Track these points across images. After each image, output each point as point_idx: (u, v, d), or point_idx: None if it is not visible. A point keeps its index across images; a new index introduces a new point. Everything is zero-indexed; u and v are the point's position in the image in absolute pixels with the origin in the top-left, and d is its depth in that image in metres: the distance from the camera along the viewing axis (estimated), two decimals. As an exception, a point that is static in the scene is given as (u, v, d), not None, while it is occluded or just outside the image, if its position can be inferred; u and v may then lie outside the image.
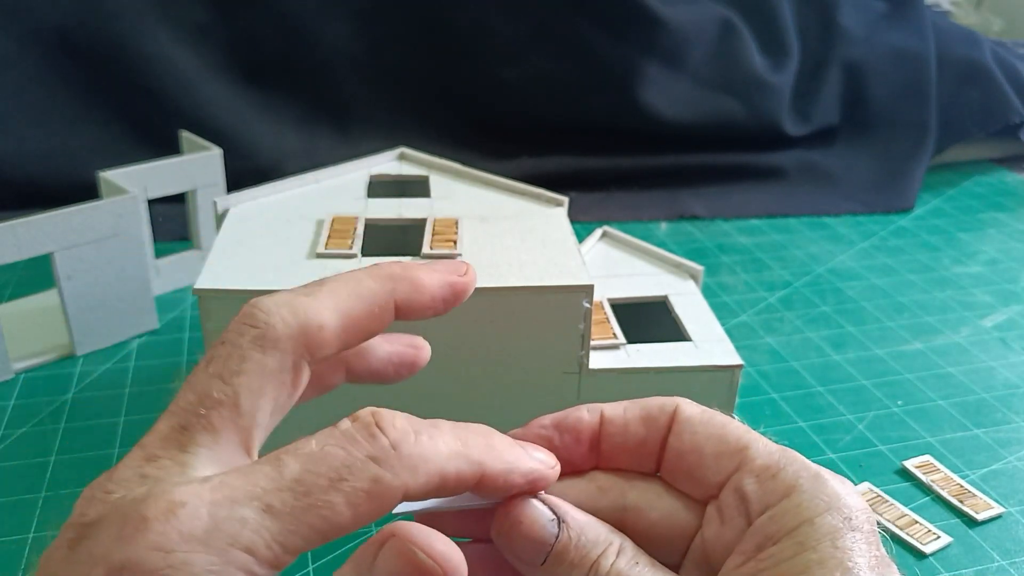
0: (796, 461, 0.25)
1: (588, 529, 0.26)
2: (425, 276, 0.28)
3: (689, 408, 0.27)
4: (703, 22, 1.01)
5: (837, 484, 0.25)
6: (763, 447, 0.26)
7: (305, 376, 0.25)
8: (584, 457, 0.28)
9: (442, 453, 0.23)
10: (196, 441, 0.22)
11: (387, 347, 0.30)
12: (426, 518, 0.25)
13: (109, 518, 0.21)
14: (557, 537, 0.25)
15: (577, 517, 0.26)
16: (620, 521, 0.27)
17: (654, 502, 0.27)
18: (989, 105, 1.03)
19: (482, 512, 0.26)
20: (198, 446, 0.22)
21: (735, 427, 0.27)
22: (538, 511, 0.25)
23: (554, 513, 0.25)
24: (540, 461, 0.26)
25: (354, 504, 0.22)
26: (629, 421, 0.27)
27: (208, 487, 0.21)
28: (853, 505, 0.24)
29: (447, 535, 0.23)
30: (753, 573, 0.24)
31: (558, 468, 0.26)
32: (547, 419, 0.28)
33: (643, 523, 0.27)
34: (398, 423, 0.23)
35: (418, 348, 0.31)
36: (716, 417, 0.27)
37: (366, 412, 0.23)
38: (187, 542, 0.20)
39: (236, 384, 0.23)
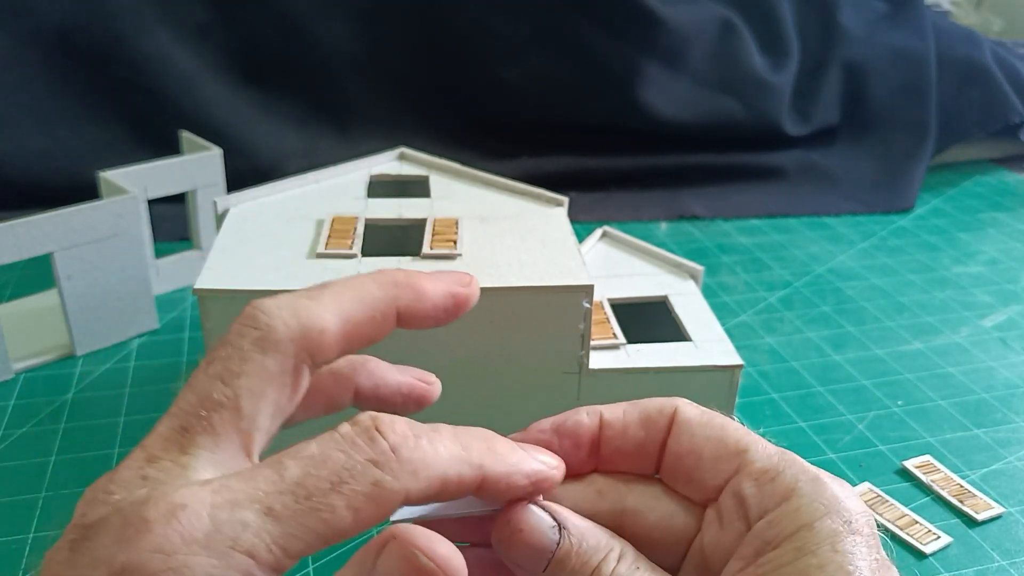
0: (795, 464, 0.25)
1: (588, 535, 0.25)
2: (429, 285, 0.27)
3: (688, 409, 0.27)
4: (703, 22, 1.01)
5: (836, 487, 0.24)
6: (762, 450, 0.26)
7: (305, 380, 0.25)
8: (583, 461, 0.28)
9: (443, 457, 0.23)
10: (197, 443, 0.22)
11: (399, 377, 0.30)
12: (426, 523, 0.25)
13: (110, 520, 0.21)
14: (558, 544, 0.25)
15: (577, 523, 0.26)
16: (619, 524, 0.27)
17: (653, 505, 0.27)
18: (989, 105, 1.03)
19: (482, 517, 0.26)
20: (199, 448, 0.22)
21: (734, 429, 0.26)
22: (538, 518, 0.25)
23: (555, 520, 0.25)
24: (543, 463, 0.26)
25: (355, 508, 0.22)
26: (628, 424, 0.27)
27: (209, 490, 0.21)
28: (853, 508, 0.24)
29: (447, 539, 0.23)
30: None
31: (562, 468, 0.26)
32: (546, 423, 0.28)
33: (642, 526, 0.27)
34: (398, 427, 0.23)
35: (429, 384, 0.30)
36: (715, 419, 0.27)
37: (366, 416, 0.23)
38: (188, 545, 0.20)
39: (237, 386, 0.23)
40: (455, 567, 0.22)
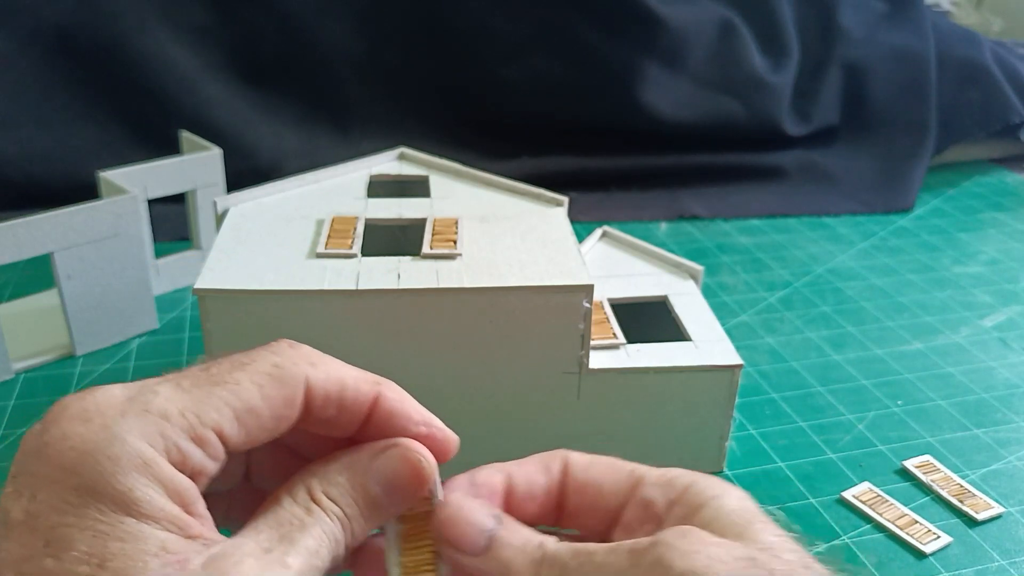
0: (685, 471, 0.27)
1: (521, 529, 0.27)
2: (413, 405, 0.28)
3: (575, 454, 0.29)
4: (703, 22, 1.00)
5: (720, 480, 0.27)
6: (652, 469, 0.28)
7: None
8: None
9: (339, 363, 0.26)
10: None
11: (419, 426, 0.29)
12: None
13: (25, 439, 0.23)
14: (497, 522, 0.27)
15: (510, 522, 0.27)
16: None
17: None
18: (989, 105, 1.03)
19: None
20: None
21: (623, 462, 0.29)
22: (480, 503, 0.27)
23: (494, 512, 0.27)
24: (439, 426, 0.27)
25: (259, 384, 0.24)
26: (530, 471, 0.29)
27: (120, 385, 0.23)
28: (742, 493, 0.27)
29: None
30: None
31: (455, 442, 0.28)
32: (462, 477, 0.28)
33: None
34: (290, 340, 0.26)
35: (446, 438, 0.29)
36: (603, 457, 0.29)
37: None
38: (104, 411, 0.22)
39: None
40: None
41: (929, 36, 1.07)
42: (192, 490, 0.23)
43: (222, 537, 0.22)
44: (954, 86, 1.04)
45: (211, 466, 0.23)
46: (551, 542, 0.26)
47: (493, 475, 0.28)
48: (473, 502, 0.27)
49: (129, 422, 0.22)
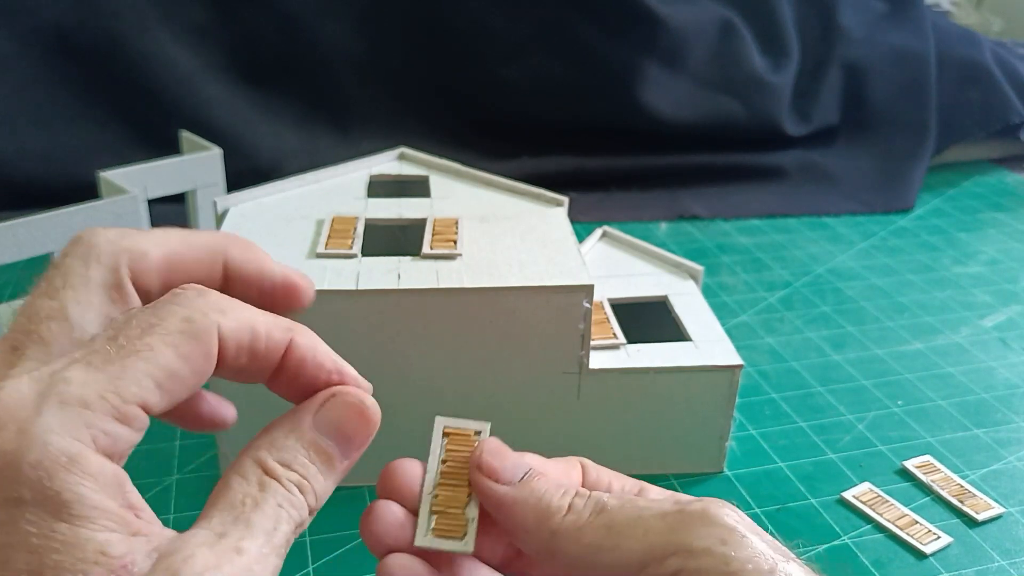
0: (687, 497, 0.28)
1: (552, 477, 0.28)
2: (265, 255, 0.28)
3: (589, 462, 0.31)
4: (703, 22, 1.00)
5: None
6: (654, 487, 0.29)
7: (133, 296, 0.25)
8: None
9: (250, 309, 0.25)
10: (26, 356, 0.23)
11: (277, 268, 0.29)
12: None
13: None
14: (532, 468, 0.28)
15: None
16: None
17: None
18: (989, 105, 1.03)
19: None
20: (29, 360, 0.23)
21: (627, 476, 0.30)
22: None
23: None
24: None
25: (173, 344, 0.22)
26: (566, 471, 0.30)
27: (25, 370, 0.22)
28: None
29: None
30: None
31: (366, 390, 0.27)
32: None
33: None
34: (195, 285, 0.24)
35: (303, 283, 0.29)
36: (608, 470, 0.30)
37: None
38: (14, 415, 0.20)
39: (62, 297, 0.24)
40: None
41: (929, 36, 1.07)
42: (124, 480, 0.21)
43: (165, 529, 0.21)
44: (954, 86, 1.04)
45: (137, 438, 0.22)
46: (585, 489, 0.27)
47: (538, 461, 0.29)
48: (510, 450, 0.28)
49: (46, 420, 0.20)
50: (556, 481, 0.27)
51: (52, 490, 0.19)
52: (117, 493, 0.21)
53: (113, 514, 0.20)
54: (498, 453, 0.28)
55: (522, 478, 0.27)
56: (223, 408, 0.30)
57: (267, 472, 0.23)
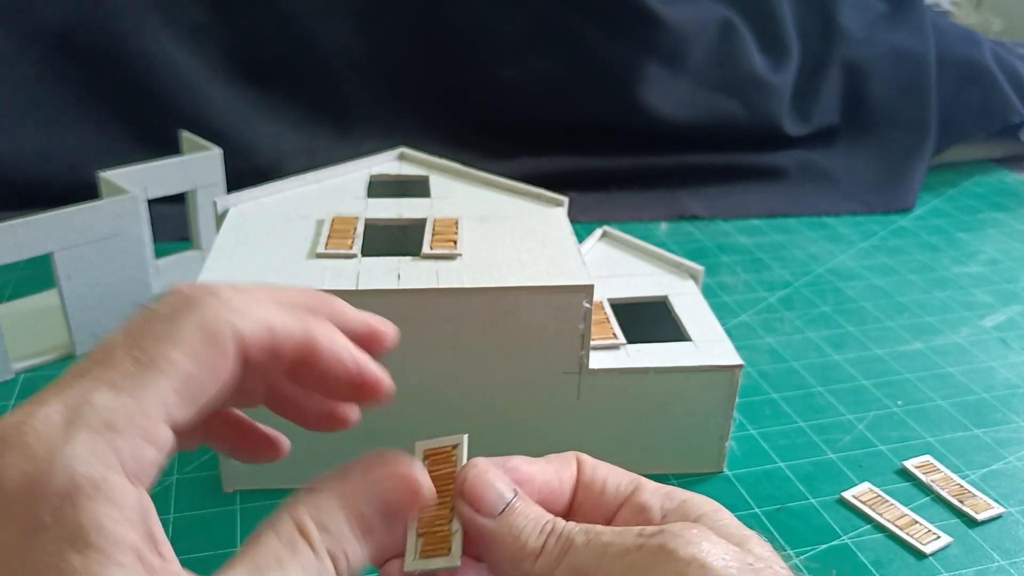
0: (681, 488, 0.28)
1: (536, 507, 0.27)
2: (347, 308, 0.28)
3: (585, 456, 0.30)
4: (703, 22, 1.00)
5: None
6: (650, 481, 0.29)
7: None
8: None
9: (269, 310, 0.24)
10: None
11: (360, 315, 0.29)
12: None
13: None
14: (516, 495, 0.27)
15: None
16: None
17: None
18: (989, 105, 1.03)
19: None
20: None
21: (623, 469, 0.30)
22: (503, 474, 0.28)
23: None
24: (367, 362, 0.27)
25: (191, 352, 0.22)
26: (557, 470, 0.29)
27: (51, 394, 0.21)
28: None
29: None
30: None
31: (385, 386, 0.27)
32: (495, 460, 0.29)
33: None
34: (207, 283, 0.24)
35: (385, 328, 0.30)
36: (606, 462, 0.30)
37: (173, 285, 0.24)
38: (48, 443, 0.20)
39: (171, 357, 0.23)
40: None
41: (929, 36, 1.07)
42: (148, 509, 0.21)
43: (183, 571, 0.21)
44: (954, 86, 1.04)
45: (164, 456, 0.22)
46: (561, 520, 0.27)
47: (525, 464, 0.29)
48: (498, 471, 0.27)
49: (75, 447, 0.20)
50: (535, 516, 0.27)
51: (74, 519, 0.19)
52: (139, 524, 0.20)
53: (132, 549, 0.20)
54: (481, 480, 0.27)
55: (503, 510, 0.27)
56: (276, 437, 0.30)
57: (301, 532, 0.23)
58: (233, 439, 0.29)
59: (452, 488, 0.28)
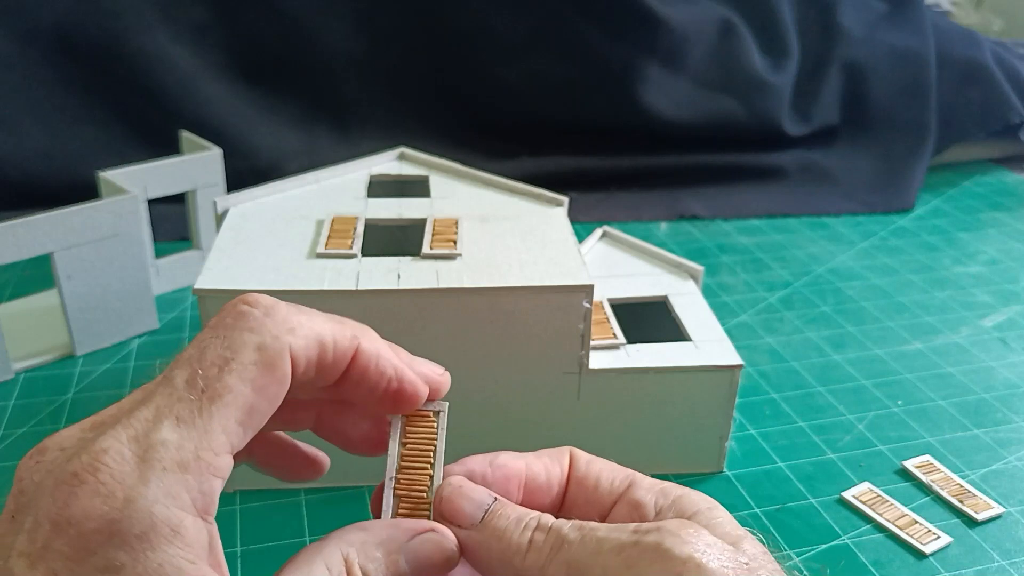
0: (677, 484, 0.28)
1: (516, 507, 0.27)
2: (412, 360, 0.30)
3: (578, 451, 0.30)
4: (703, 22, 1.00)
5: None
6: (645, 476, 0.29)
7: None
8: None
9: (317, 320, 0.25)
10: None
11: (417, 367, 0.30)
12: None
13: (43, 483, 0.21)
14: (495, 500, 0.27)
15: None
16: None
17: None
18: (989, 105, 1.03)
19: None
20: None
21: (618, 465, 0.30)
22: (477, 486, 0.28)
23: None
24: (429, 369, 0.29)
25: (251, 379, 0.23)
26: (546, 464, 0.29)
27: (121, 427, 0.22)
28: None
29: None
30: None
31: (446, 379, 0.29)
32: (481, 456, 0.29)
33: None
34: (263, 299, 0.25)
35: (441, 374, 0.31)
36: (600, 458, 0.30)
37: (231, 301, 0.25)
38: (122, 482, 0.21)
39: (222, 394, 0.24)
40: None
41: (929, 36, 1.07)
42: (214, 537, 0.22)
43: None
44: (954, 86, 1.04)
45: (223, 484, 0.23)
46: (549, 516, 0.27)
47: (514, 460, 0.29)
48: (472, 484, 0.28)
49: (152, 489, 0.21)
50: (516, 515, 0.27)
51: (152, 561, 0.20)
52: (209, 556, 0.21)
53: None
54: (456, 494, 0.27)
55: (483, 517, 0.27)
56: (316, 455, 0.31)
57: (349, 571, 0.24)
58: (276, 458, 0.30)
59: (431, 451, 0.28)
